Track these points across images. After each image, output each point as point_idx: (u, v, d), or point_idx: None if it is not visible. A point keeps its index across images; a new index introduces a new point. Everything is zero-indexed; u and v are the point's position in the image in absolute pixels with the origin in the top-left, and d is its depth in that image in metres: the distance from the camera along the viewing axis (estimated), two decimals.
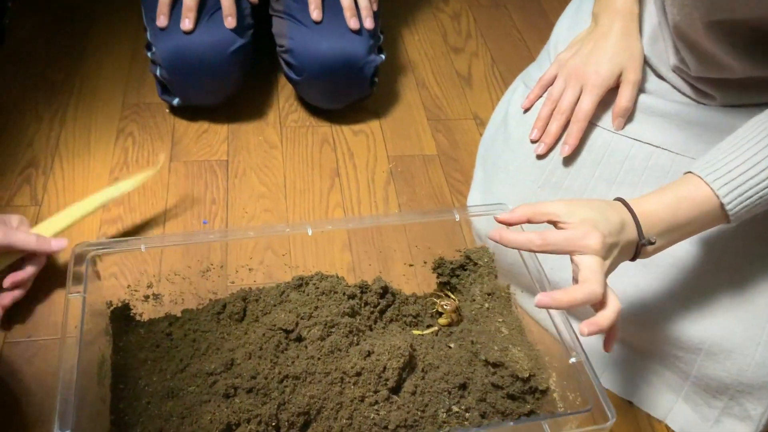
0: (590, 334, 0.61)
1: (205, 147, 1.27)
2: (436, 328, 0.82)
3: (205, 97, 1.28)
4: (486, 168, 1.11)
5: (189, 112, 1.32)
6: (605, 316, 0.62)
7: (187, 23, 1.18)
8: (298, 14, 1.26)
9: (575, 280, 0.63)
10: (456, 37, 1.63)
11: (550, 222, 0.66)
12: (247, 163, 1.25)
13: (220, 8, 1.21)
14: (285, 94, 1.41)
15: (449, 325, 0.82)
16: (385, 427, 0.69)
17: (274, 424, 0.65)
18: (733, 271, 0.86)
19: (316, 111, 1.37)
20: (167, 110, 1.34)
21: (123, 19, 1.56)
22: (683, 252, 0.87)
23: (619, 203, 0.68)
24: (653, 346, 0.91)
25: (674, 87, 0.93)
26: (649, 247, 0.67)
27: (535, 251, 0.64)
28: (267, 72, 1.46)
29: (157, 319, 0.77)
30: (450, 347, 0.78)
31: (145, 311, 0.77)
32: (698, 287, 0.88)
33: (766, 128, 0.67)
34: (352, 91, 1.30)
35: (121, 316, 0.76)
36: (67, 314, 0.65)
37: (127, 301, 0.76)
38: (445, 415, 0.72)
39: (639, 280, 0.90)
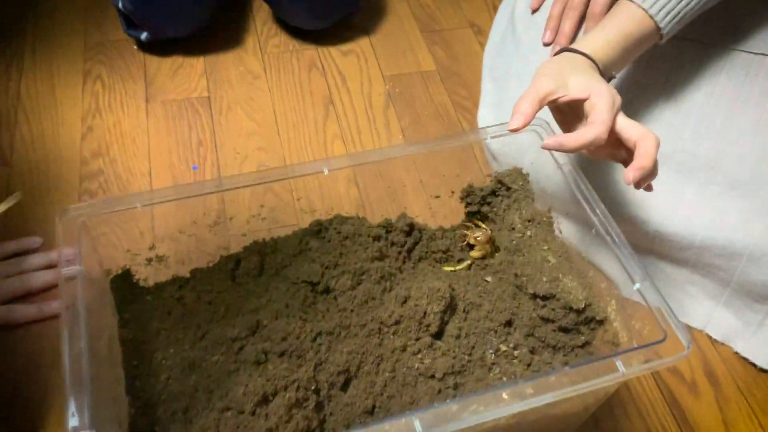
0: (636, 180, 0.60)
1: (182, 84, 1.16)
2: (468, 262, 0.75)
3: (176, 27, 1.15)
4: (495, 79, 1.02)
5: (159, 46, 1.20)
6: (646, 154, 0.60)
7: None
8: None
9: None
10: None
11: (549, 103, 0.64)
12: (231, 98, 1.14)
13: None
14: (261, 17, 1.28)
15: (483, 257, 0.75)
16: (432, 376, 0.63)
17: (313, 387, 0.59)
18: None
19: (297, 33, 1.24)
20: (135, 47, 1.21)
21: None
22: (717, 160, 0.81)
23: (579, 56, 0.67)
24: (690, 255, 0.86)
25: None
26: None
27: (601, 143, 0.61)
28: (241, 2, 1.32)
29: (164, 282, 0.69)
30: (488, 281, 0.72)
31: (149, 275, 0.69)
32: (736, 193, 0.82)
33: None
34: (338, 6, 1.18)
35: (123, 284, 0.68)
36: (63, 291, 0.56)
37: (127, 267, 0.68)
38: (493, 356, 0.66)
39: (674, 187, 0.84)
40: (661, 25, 0.70)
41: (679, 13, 0.70)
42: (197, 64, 1.19)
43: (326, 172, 0.66)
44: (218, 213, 0.70)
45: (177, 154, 1.05)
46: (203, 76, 1.17)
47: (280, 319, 0.62)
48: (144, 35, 1.15)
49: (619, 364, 0.54)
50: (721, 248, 0.83)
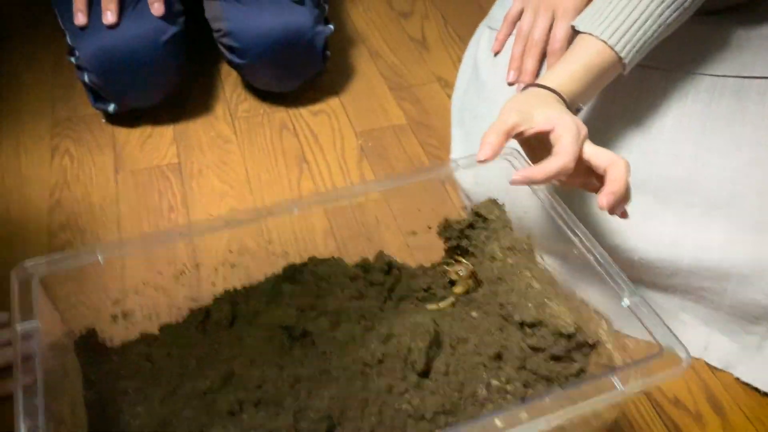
0: (610, 205, 0.60)
1: (152, 152, 1.14)
2: (452, 299, 0.72)
3: (143, 98, 1.15)
4: (464, 123, 1.02)
5: (128, 118, 1.19)
6: (617, 179, 0.61)
7: (109, 16, 1.05)
8: None
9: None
10: (402, 3, 1.53)
11: (516, 136, 0.65)
12: (202, 163, 1.13)
13: None
14: (230, 84, 1.29)
15: (467, 293, 0.72)
16: (422, 417, 0.59)
17: None
18: (758, 196, 0.79)
19: (267, 96, 1.25)
20: (103, 120, 1.20)
21: (37, 29, 1.41)
22: (693, 182, 0.81)
23: (544, 90, 0.68)
24: (678, 281, 0.84)
25: None
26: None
27: (568, 172, 0.61)
28: (206, 63, 1.34)
29: (131, 341, 0.66)
30: (473, 316, 0.69)
31: (115, 334, 0.65)
32: (718, 213, 0.81)
33: None
34: (304, 68, 1.19)
35: (88, 346, 0.64)
36: (18, 356, 0.52)
37: (92, 326, 0.64)
38: (485, 391, 0.62)
39: (655, 213, 0.83)
40: (622, 55, 0.71)
41: (638, 42, 0.71)
42: (167, 132, 1.18)
43: (296, 211, 0.64)
44: (185, 262, 0.67)
45: (147, 221, 1.03)
46: (173, 144, 1.16)
47: (255, 367, 0.59)
48: (112, 107, 1.15)
49: (616, 381, 0.51)
50: (709, 270, 0.82)
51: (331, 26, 1.19)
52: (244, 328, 0.63)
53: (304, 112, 1.23)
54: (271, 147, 1.16)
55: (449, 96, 1.26)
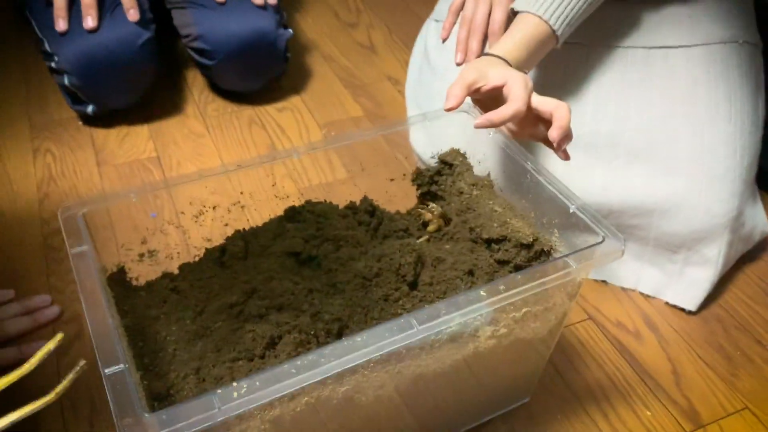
0: (559, 137, 0.73)
1: (131, 149, 1.23)
2: (426, 236, 0.85)
3: (121, 98, 1.24)
4: (420, 105, 1.16)
5: (104, 120, 1.28)
6: (562, 117, 0.73)
7: (90, 21, 1.15)
8: (199, 0, 1.26)
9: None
10: (347, 14, 1.67)
11: (476, 90, 0.77)
12: (180, 155, 1.22)
13: (118, 4, 1.19)
14: (198, 87, 1.39)
15: (438, 230, 0.85)
16: None
17: (312, 332, 0.65)
18: (668, 144, 0.95)
19: (233, 96, 1.36)
20: (80, 122, 1.28)
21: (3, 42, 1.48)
22: (617, 136, 0.97)
23: (494, 57, 0.81)
24: (610, 221, 0.99)
25: None
26: None
27: (521, 116, 0.74)
28: (173, 69, 1.43)
29: (155, 280, 0.75)
30: (446, 248, 0.81)
31: (140, 273, 0.74)
32: (637, 161, 0.97)
33: None
34: (268, 68, 1.31)
35: (119, 282, 0.73)
36: (79, 276, 0.61)
37: (122, 264, 0.73)
38: None
39: (586, 164, 0.98)
40: (555, 28, 0.86)
41: (568, 16, 0.86)
42: (142, 131, 1.27)
43: (296, 157, 0.75)
44: (202, 203, 0.77)
45: (135, 206, 1.11)
46: (150, 140, 1.25)
47: (274, 282, 0.69)
48: (90, 108, 1.23)
49: (570, 261, 0.64)
50: (635, 209, 0.97)
51: (290, 30, 1.32)
52: (258, 259, 0.73)
53: (270, 109, 1.35)
54: (242, 139, 1.27)
55: (400, 92, 1.41)
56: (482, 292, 0.61)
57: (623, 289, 1.03)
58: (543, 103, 0.76)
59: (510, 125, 0.80)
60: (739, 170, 0.96)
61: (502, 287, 0.61)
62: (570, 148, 0.96)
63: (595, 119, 0.98)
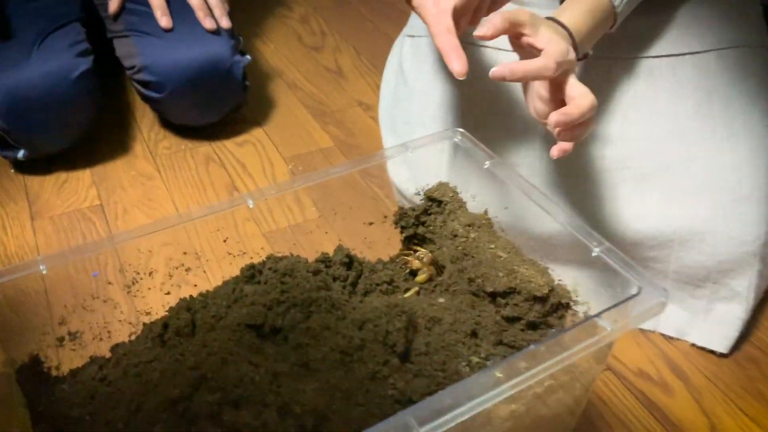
0: (557, 125, 0.61)
1: (70, 197, 1.08)
2: (416, 288, 0.71)
3: (56, 140, 1.09)
4: (397, 132, 1.03)
5: (39, 165, 1.12)
6: (578, 105, 0.61)
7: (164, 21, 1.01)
8: (143, 27, 1.12)
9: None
10: (311, 38, 1.55)
11: (516, 34, 0.64)
12: (127, 201, 1.07)
13: (49, 33, 1.04)
14: (147, 123, 1.25)
15: (430, 280, 0.71)
16: (410, 400, 0.56)
17: None
18: (682, 165, 0.83)
19: (187, 132, 1.21)
20: (12, 169, 1.13)
21: None
22: (624, 160, 0.85)
23: (557, 25, 0.68)
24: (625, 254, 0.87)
25: None
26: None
27: (547, 77, 0.62)
28: (118, 104, 1.29)
29: (81, 367, 0.59)
30: (440, 302, 0.67)
31: (63, 360, 0.59)
32: (650, 185, 0.85)
33: None
34: (224, 99, 1.17)
35: (32, 375, 0.57)
36: None
37: (35, 353, 0.58)
38: (467, 368, 0.60)
39: (590, 194, 0.86)
40: (615, 3, 0.74)
41: None
42: (84, 176, 1.12)
43: (251, 205, 0.61)
44: (135, 269, 0.62)
45: (74, 265, 0.95)
46: (92, 186, 1.10)
47: (227, 368, 0.54)
48: (21, 153, 1.08)
49: (603, 322, 0.51)
50: (651, 239, 0.84)
51: (248, 57, 1.18)
52: (208, 335, 0.59)
53: (228, 144, 1.20)
54: (198, 180, 1.12)
55: (372, 118, 1.28)
56: (498, 374, 0.47)
57: (642, 331, 0.89)
58: (572, 87, 0.64)
59: (537, 103, 0.68)
60: (766, 189, 0.84)
61: (523, 365, 0.47)
62: (575, 174, 0.83)
63: (598, 141, 0.86)
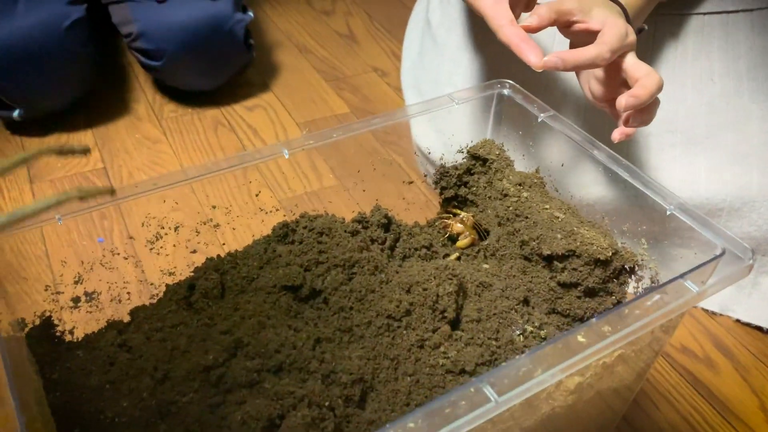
0: (628, 108, 0.56)
1: (71, 160, 1.01)
2: (457, 254, 0.65)
3: (52, 97, 1.02)
4: (422, 93, 0.96)
5: (36, 125, 1.05)
6: (646, 86, 0.56)
7: None
8: None
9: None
10: (321, 2, 1.48)
11: (568, 22, 0.59)
12: (132, 165, 1.01)
13: None
14: (151, 86, 1.18)
15: (472, 245, 0.65)
16: (462, 371, 0.51)
17: (327, 404, 0.45)
18: (735, 127, 0.78)
19: (194, 96, 1.15)
20: (8, 131, 1.06)
21: None
22: (671, 121, 0.79)
23: (611, 2, 0.62)
24: None
25: None
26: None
27: (602, 65, 0.56)
28: (121, 65, 1.22)
29: (97, 333, 0.53)
30: (485, 267, 0.62)
31: (77, 323, 0.53)
32: (698, 149, 0.79)
33: None
34: (228, 60, 1.10)
35: (44, 338, 0.51)
36: None
37: (48, 314, 0.52)
38: (521, 338, 0.55)
39: (631, 154, 0.80)
40: None
41: None
42: (85, 137, 1.05)
43: (287, 155, 0.55)
44: (159, 223, 0.56)
45: (77, 230, 0.89)
46: (95, 149, 1.03)
47: (266, 331, 0.49)
48: (17, 112, 1.01)
49: (688, 284, 0.45)
50: (699, 208, 0.79)
51: (251, 13, 1.12)
52: (240, 297, 0.53)
53: (238, 108, 1.14)
54: (207, 144, 1.06)
55: (389, 85, 1.21)
56: (580, 338, 0.41)
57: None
58: (633, 67, 0.59)
59: (595, 83, 0.62)
60: None
61: (606, 328, 0.42)
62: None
63: None
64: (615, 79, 0.60)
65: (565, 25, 0.59)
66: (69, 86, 1.02)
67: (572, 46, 0.65)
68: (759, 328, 0.82)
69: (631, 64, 0.58)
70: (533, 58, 0.54)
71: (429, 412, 0.37)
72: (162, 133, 1.07)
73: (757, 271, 0.82)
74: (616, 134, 0.60)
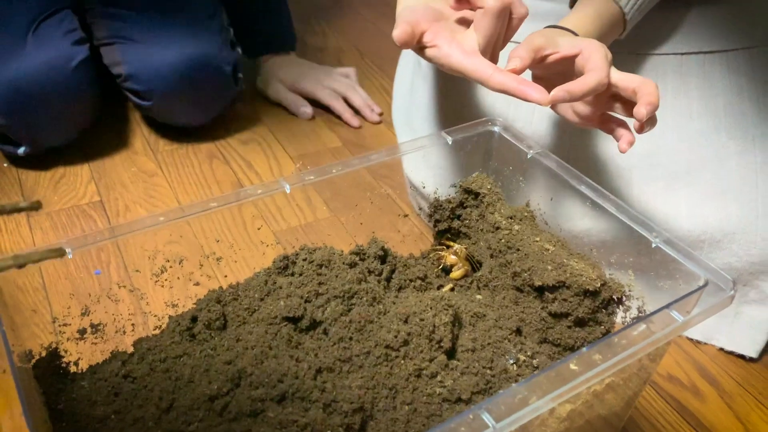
0: (649, 114, 0.59)
1: (68, 193, 1.03)
2: (450, 285, 0.67)
3: (58, 134, 1.04)
4: (416, 129, 0.99)
5: (34, 159, 1.07)
6: (650, 93, 0.59)
7: None
8: (126, 32, 1.07)
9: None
10: (314, 38, 1.52)
11: (542, 58, 0.62)
12: (128, 198, 1.02)
13: (44, 19, 1.00)
14: (147, 119, 1.20)
15: (465, 276, 0.68)
16: (459, 399, 0.53)
17: None
18: (714, 163, 0.82)
19: (189, 131, 1.17)
20: (5, 163, 1.07)
21: None
22: (653, 155, 0.83)
23: (562, 30, 0.66)
24: None
25: None
26: None
27: (603, 89, 0.59)
28: (116, 99, 1.24)
29: (102, 364, 0.55)
30: (478, 298, 0.64)
31: (81, 354, 0.54)
32: (680, 184, 0.83)
33: None
34: (217, 96, 1.12)
35: (50, 370, 0.52)
36: None
37: (54, 346, 0.53)
38: (515, 367, 0.57)
39: (620, 190, 0.83)
40: (626, 10, 0.72)
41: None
42: (82, 171, 1.07)
43: (288, 189, 0.58)
44: (165, 256, 0.58)
45: (74, 262, 0.90)
46: (91, 182, 1.05)
47: (268, 361, 0.50)
48: (22, 149, 1.03)
49: (674, 314, 0.48)
50: (681, 239, 0.82)
51: (239, 50, 1.15)
52: (241, 328, 0.55)
53: (233, 141, 1.16)
54: (202, 177, 1.08)
55: (382, 121, 1.24)
56: (572, 366, 0.44)
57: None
58: (624, 80, 0.61)
59: (580, 105, 0.65)
60: None
61: (597, 357, 0.44)
62: (602, 170, 0.81)
63: None
64: (601, 96, 0.62)
65: (539, 62, 0.62)
66: (74, 124, 1.04)
67: (542, 79, 0.67)
68: (742, 356, 0.84)
69: (620, 77, 0.61)
70: (538, 96, 0.56)
71: None
72: (157, 167, 1.09)
73: (738, 300, 0.84)
74: (625, 145, 0.62)
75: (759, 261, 0.81)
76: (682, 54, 0.85)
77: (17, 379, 0.40)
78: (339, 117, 1.23)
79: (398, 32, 0.60)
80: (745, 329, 0.84)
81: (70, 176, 1.06)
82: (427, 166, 0.85)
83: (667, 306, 0.48)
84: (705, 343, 0.86)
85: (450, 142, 0.65)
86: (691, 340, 0.87)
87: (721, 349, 0.85)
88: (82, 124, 1.05)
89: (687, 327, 0.48)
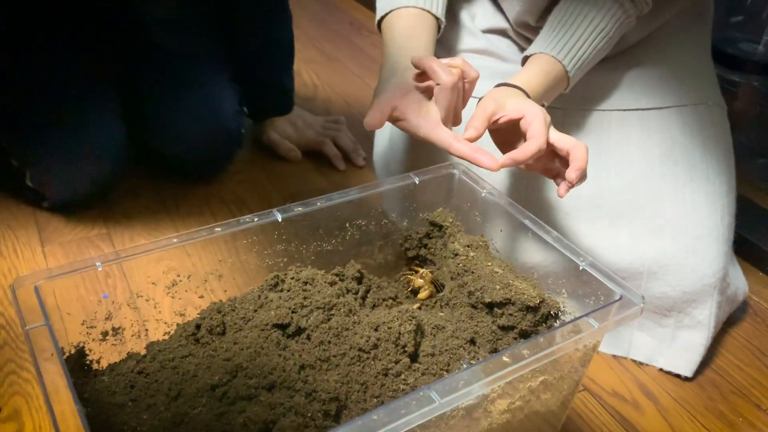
0: (577, 178, 0.71)
1: (77, 225, 1.13)
2: (418, 304, 0.78)
3: (83, 193, 1.16)
4: (392, 172, 1.11)
5: None
6: (581, 157, 0.71)
7: None
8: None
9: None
10: (304, 89, 1.65)
11: (494, 122, 0.74)
12: (133, 230, 1.13)
13: (84, 99, 1.12)
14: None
15: (430, 297, 0.79)
16: None
17: (309, 414, 0.57)
18: (651, 204, 0.94)
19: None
20: (20, 197, 1.18)
21: None
22: (598, 198, 0.95)
23: (512, 88, 0.79)
24: None
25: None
26: None
27: (542, 153, 0.72)
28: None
29: (118, 363, 0.65)
30: (441, 315, 0.75)
31: (102, 354, 0.65)
32: (622, 222, 0.94)
33: (574, 10, 0.87)
34: (225, 152, 1.26)
35: (77, 366, 0.63)
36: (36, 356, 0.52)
37: (82, 345, 0.63)
38: None
39: (569, 228, 0.95)
40: (569, 68, 0.86)
41: (580, 59, 0.86)
42: (91, 204, 1.17)
43: (279, 218, 0.69)
44: (178, 272, 0.69)
45: (84, 287, 1.00)
46: (99, 217, 1.15)
47: (260, 358, 0.61)
48: (46, 203, 1.14)
49: (591, 321, 0.59)
50: (623, 272, 0.94)
51: (245, 109, 1.28)
52: (237, 334, 0.65)
53: (228, 182, 1.28)
54: (200, 213, 1.19)
55: (365, 167, 1.37)
56: (505, 358, 0.55)
57: (614, 356, 0.98)
58: (560, 141, 0.74)
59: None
60: (722, 229, 0.95)
61: (525, 352, 0.55)
62: (553, 210, 0.93)
63: None
64: (545, 153, 0.75)
65: (492, 125, 0.74)
66: (103, 186, 1.17)
67: (498, 136, 0.80)
68: (678, 376, 0.95)
69: (557, 139, 0.73)
70: (489, 163, 0.69)
71: (389, 410, 0.50)
72: (161, 203, 1.20)
73: (675, 326, 0.96)
74: (563, 191, 0.74)
75: (691, 291, 0.93)
76: (623, 110, 0.98)
77: (65, 368, 0.50)
78: (328, 160, 1.35)
79: (368, 119, 0.76)
80: (681, 351, 0.95)
81: (79, 211, 1.16)
82: (399, 202, 0.97)
83: (586, 314, 0.59)
84: (647, 364, 0.97)
85: (417, 182, 0.77)
86: (634, 361, 0.98)
87: (661, 370, 0.96)
88: (107, 184, 1.18)
89: (603, 332, 0.59)
